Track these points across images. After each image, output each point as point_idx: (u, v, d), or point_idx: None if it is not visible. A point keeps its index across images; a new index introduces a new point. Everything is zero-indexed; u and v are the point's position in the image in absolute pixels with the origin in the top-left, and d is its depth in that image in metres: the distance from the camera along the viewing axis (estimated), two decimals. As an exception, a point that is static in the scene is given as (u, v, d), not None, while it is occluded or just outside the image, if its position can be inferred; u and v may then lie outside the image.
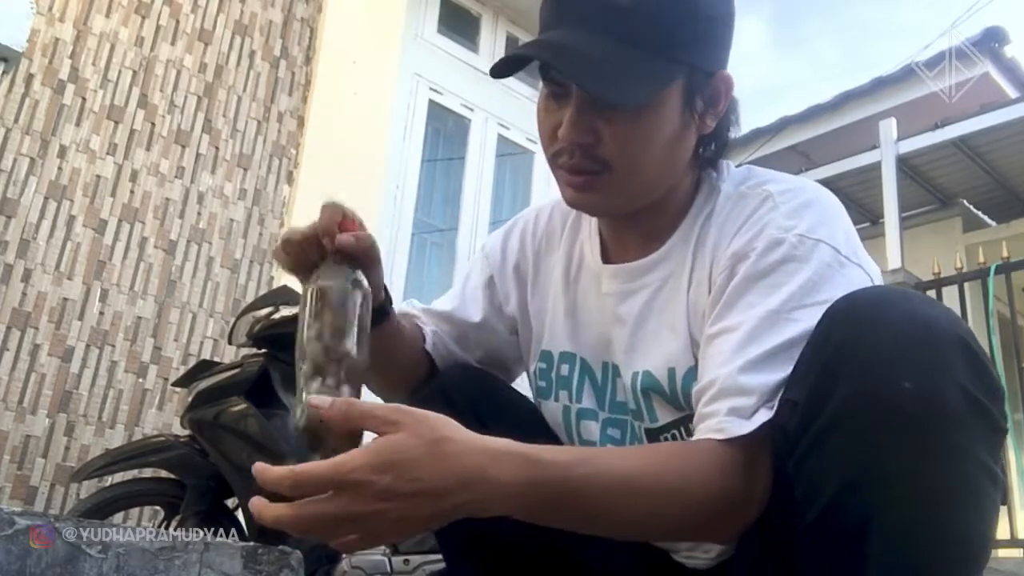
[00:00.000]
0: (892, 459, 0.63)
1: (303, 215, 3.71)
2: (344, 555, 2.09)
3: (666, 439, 0.90)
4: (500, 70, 0.86)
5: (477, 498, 0.63)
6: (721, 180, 0.93)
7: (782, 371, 0.74)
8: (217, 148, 3.64)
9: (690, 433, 0.87)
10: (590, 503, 0.68)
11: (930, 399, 0.63)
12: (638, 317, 0.91)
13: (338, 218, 0.80)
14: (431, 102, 4.35)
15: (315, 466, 0.60)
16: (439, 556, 2.05)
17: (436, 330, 1.08)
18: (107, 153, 3.32)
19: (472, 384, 1.03)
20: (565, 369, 0.99)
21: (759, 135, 6.65)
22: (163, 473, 2.39)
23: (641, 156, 0.85)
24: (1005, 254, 3.63)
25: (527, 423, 1.01)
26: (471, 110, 4.50)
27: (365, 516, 0.60)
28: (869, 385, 0.65)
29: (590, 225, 1.01)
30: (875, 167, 5.50)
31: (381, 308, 0.92)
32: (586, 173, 0.85)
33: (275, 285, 3.50)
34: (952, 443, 0.63)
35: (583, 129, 0.84)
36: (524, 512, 0.67)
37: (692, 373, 0.86)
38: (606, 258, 0.97)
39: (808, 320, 0.75)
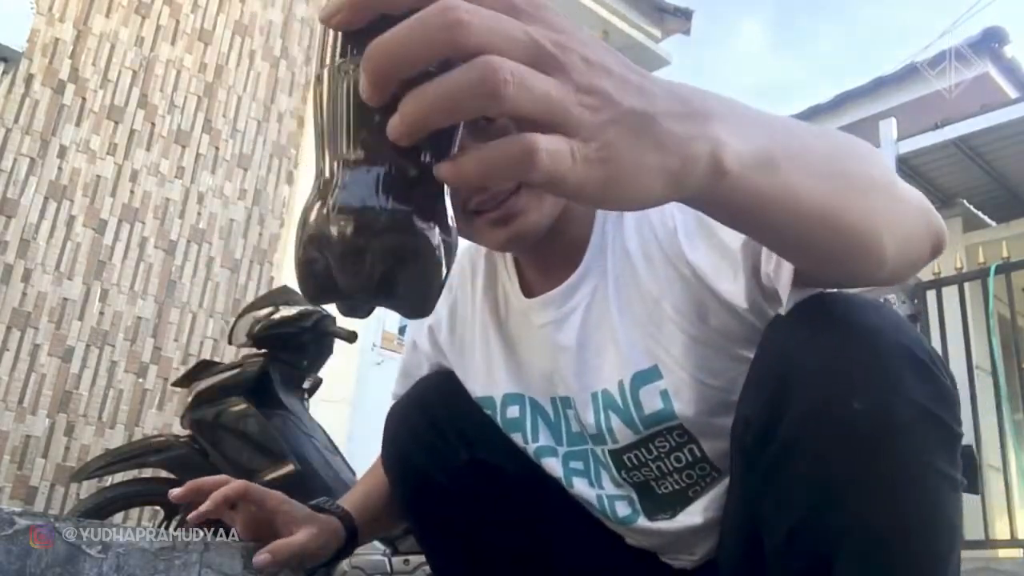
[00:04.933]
0: (851, 482, 0.63)
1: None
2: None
3: (630, 459, 0.88)
4: None
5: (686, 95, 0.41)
6: None
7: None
8: (217, 148, 3.64)
9: (653, 453, 0.86)
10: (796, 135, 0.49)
11: (882, 418, 0.62)
12: (579, 339, 0.88)
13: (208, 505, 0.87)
14: (431, 102, 4.35)
15: None
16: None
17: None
18: (107, 153, 3.32)
19: (449, 384, 1.01)
20: (514, 411, 0.96)
21: (759, 135, 6.64)
22: (163, 473, 2.39)
23: None
24: (1005, 254, 3.63)
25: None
26: (471, 110, 4.49)
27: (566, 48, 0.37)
28: (819, 405, 0.64)
29: (506, 266, 0.97)
30: (875, 167, 5.48)
31: (352, 533, 0.98)
32: (503, 202, 0.80)
33: (275, 285, 3.50)
34: (909, 460, 0.63)
35: None
36: (748, 125, 0.44)
37: (639, 378, 0.84)
38: (529, 292, 0.93)
39: None
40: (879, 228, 0.52)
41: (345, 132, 0.39)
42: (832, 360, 0.64)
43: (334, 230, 0.39)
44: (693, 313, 0.80)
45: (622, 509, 0.92)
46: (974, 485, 0.82)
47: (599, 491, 0.93)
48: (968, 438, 3.37)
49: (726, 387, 0.79)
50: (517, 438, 0.96)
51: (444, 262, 0.41)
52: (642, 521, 0.90)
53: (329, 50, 0.40)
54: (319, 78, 0.40)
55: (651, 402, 0.83)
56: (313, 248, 0.40)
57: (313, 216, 0.40)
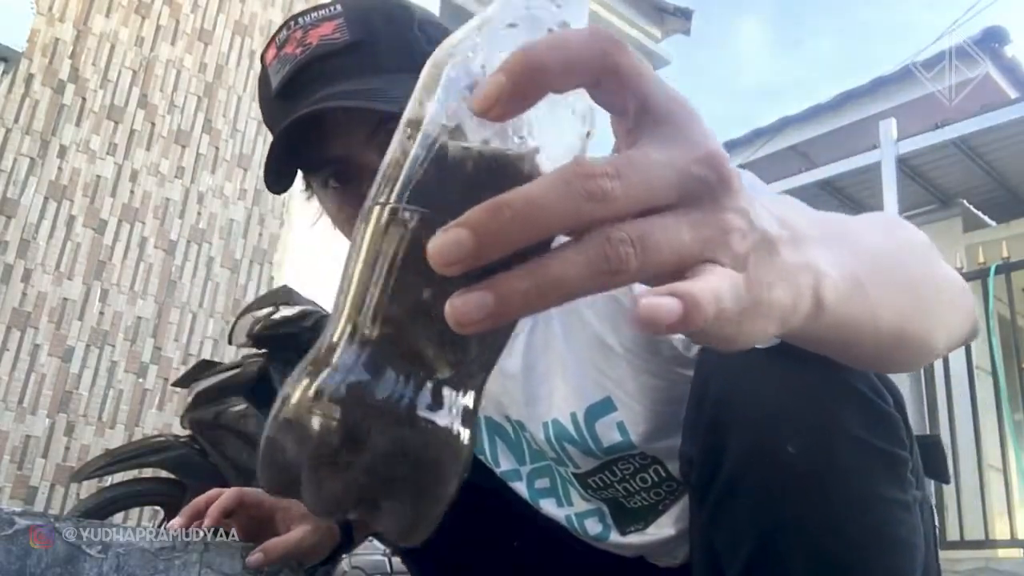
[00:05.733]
0: (797, 522, 0.62)
1: (303, 215, 3.72)
2: (344, 555, 2.09)
3: (595, 481, 0.87)
4: (276, 183, 0.77)
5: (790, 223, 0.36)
6: None
7: None
8: (217, 148, 3.64)
9: (617, 475, 0.84)
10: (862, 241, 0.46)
11: (818, 459, 0.61)
12: (525, 365, 0.85)
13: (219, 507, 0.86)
14: (431, 102, 4.35)
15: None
16: (439, 556, 2.05)
17: None
18: (107, 153, 3.32)
19: None
20: None
21: (759, 135, 6.65)
22: (163, 473, 2.39)
23: None
24: (1005, 254, 3.63)
25: None
26: (471, 110, 4.49)
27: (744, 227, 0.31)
28: (755, 449, 0.63)
29: None
30: (875, 167, 5.50)
31: (348, 531, 0.97)
32: None
33: (275, 285, 3.50)
34: (852, 495, 0.62)
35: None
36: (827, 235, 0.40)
37: (593, 412, 0.81)
38: None
39: None
40: (938, 332, 0.51)
41: (382, 295, 0.30)
42: (765, 401, 0.63)
43: (316, 425, 0.29)
44: (643, 348, 0.78)
45: (593, 527, 0.91)
46: (943, 474, 0.81)
47: (568, 510, 0.92)
48: (968, 438, 3.39)
49: (682, 410, 0.77)
50: (483, 459, 0.95)
51: (452, 485, 0.32)
52: (615, 537, 0.90)
53: (392, 186, 0.30)
54: (367, 214, 0.31)
55: (608, 434, 0.81)
56: (285, 436, 0.30)
57: (297, 395, 0.30)
